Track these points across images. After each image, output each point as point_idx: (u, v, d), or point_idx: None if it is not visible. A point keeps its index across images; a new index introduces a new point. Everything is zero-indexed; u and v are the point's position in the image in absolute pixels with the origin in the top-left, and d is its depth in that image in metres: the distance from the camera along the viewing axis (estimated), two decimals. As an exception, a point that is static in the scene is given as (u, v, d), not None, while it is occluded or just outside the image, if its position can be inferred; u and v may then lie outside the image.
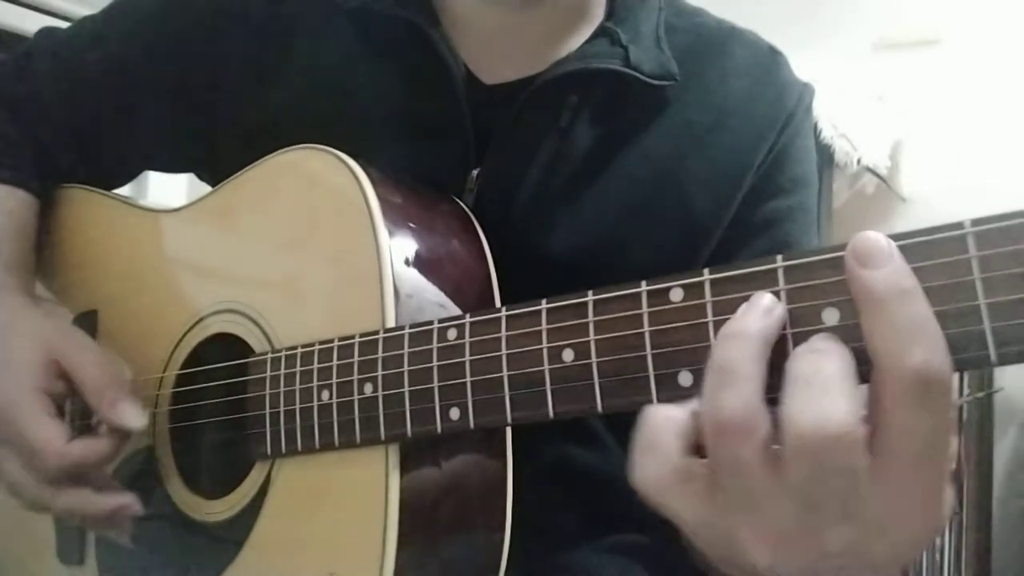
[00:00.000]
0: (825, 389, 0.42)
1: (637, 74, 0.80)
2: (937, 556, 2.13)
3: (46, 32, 0.99)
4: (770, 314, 0.46)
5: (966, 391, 2.11)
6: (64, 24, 1.02)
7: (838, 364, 0.43)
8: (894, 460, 0.42)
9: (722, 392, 0.44)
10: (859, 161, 2.19)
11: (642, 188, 0.81)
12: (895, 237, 0.43)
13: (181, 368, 0.83)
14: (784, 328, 0.46)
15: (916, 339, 0.41)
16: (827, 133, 2.13)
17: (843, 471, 0.42)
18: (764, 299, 0.46)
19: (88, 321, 0.92)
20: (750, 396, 0.44)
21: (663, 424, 0.47)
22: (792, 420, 0.42)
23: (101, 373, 0.79)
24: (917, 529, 0.44)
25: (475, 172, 0.80)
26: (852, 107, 2.21)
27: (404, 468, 0.64)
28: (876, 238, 0.43)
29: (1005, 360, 0.40)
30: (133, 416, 0.77)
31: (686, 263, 0.81)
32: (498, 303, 0.72)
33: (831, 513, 0.43)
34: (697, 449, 0.46)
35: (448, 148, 0.81)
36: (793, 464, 0.43)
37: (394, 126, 0.82)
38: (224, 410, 0.78)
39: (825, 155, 2.11)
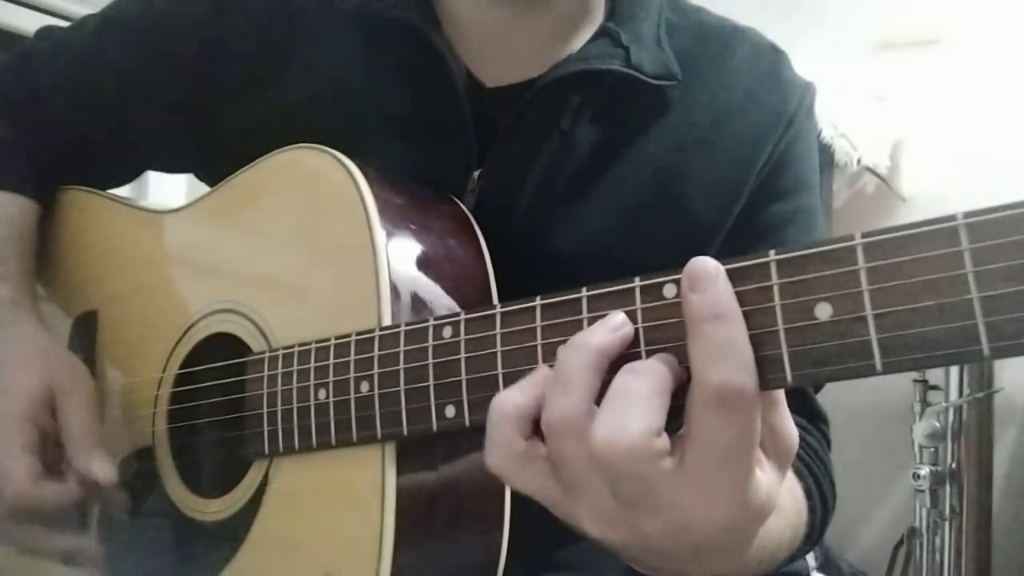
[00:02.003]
0: (626, 407, 0.47)
1: (638, 74, 0.80)
2: (937, 556, 2.13)
3: (45, 32, 0.99)
4: (615, 332, 0.50)
5: (966, 391, 2.11)
6: (64, 23, 1.02)
7: (647, 384, 0.47)
8: (699, 461, 0.47)
9: (555, 395, 0.49)
10: (859, 161, 2.19)
11: (644, 188, 0.81)
12: (888, 230, 0.43)
13: (180, 368, 0.83)
14: (634, 346, 0.50)
15: (722, 359, 0.45)
16: (827, 133, 2.12)
17: (637, 479, 0.47)
18: (616, 317, 0.51)
19: (88, 321, 0.92)
20: (578, 401, 0.48)
21: (507, 411, 0.51)
22: (592, 433, 0.47)
23: (84, 422, 0.80)
24: (724, 520, 0.48)
25: (477, 173, 0.81)
26: (852, 107, 2.21)
27: (401, 466, 0.64)
28: (704, 264, 0.47)
29: (998, 354, 0.40)
30: (102, 469, 0.78)
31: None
32: (496, 302, 0.72)
33: (641, 508, 0.48)
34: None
35: (449, 149, 0.81)
36: (599, 468, 0.48)
37: (395, 128, 0.82)
38: (222, 410, 0.78)
39: (825, 155, 2.10)
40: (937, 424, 2.12)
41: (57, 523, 0.80)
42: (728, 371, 0.45)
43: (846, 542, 2.41)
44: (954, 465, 2.12)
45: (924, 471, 2.09)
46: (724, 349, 0.46)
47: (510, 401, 0.52)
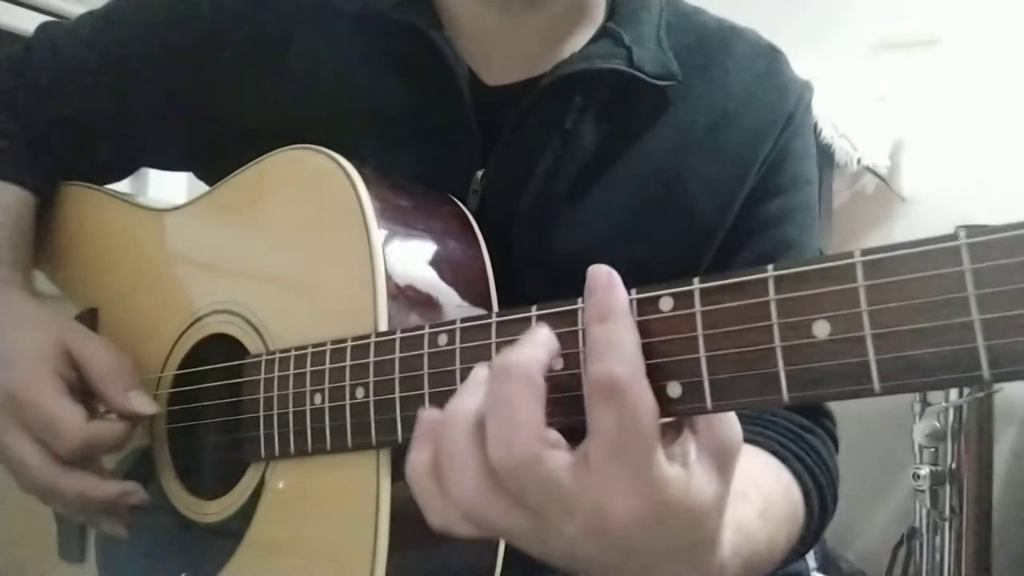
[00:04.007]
0: (507, 416, 0.48)
1: (640, 74, 0.80)
2: (937, 556, 2.13)
3: (47, 27, 0.99)
4: (479, 390, 0.51)
5: (966, 391, 2.11)
6: (64, 23, 1.02)
7: (518, 382, 0.48)
8: (596, 454, 0.47)
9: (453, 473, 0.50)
10: (859, 161, 2.19)
11: (646, 188, 0.82)
12: (888, 248, 0.42)
13: (179, 368, 0.83)
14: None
15: (602, 355, 0.47)
16: (827, 133, 2.12)
17: (538, 482, 0.48)
18: (481, 372, 0.52)
19: (89, 319, 0.92)
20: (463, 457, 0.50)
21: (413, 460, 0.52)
22: (487, 445, 0.48)
23: (112, 363, 0.81)
24: (636, 512, 0.47)
25: (480, 173, 0.81)
26: (852, 107, 2.20)
27: (396, 473, 0.64)
28: (596, 271, 0.49)
29: (998, 379, 0.39)
30: (144, 403, 0.79)
31: (690, 262, 0.82)
32: (495, 305, 0.72)
33: (554, 514, 0.49)
34: None
35: (453, 150, 0.81)
36: (504, 482, 0.49)
37: (398, 128, 0.82)
38: (220, 411, 0.78)
39: (825, 155, 2.10)
40: (937, 424, 2.12)
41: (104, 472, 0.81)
42: (607, 365, 0.46)
43: (846, 542, 2.41)
44: (954, 465, 2.12)
45: (924, 471, 2.09)
46: (605, 345, 0.47)
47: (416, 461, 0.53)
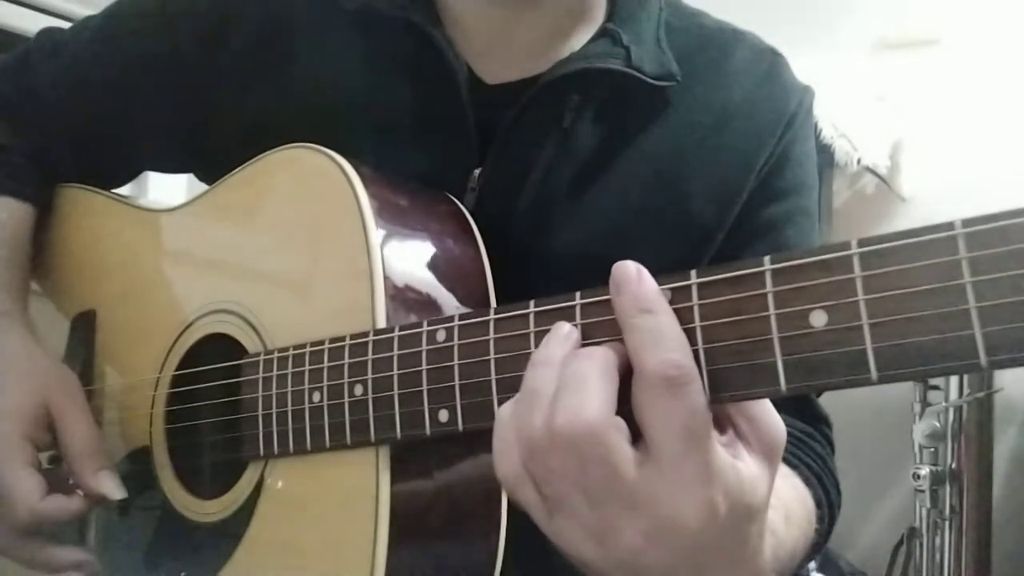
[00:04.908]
0: (579, 388, 0.48)
1: (639, 74, 0.80)
2: (937, 556, 2.13)
3: (46, 33, 0.99)
4: (568, 339, 0.52)
5: (966, 391, 2.11)
6: (64, 24, 1.01)
7: (597, 365, 0.49)
8: (659, 449, 0.47)
9: (527, 414, 0.50)
10: (859, 161, 2.19)
11: (644, 188, 0.81)
12: (885, 238, 0.43)
13: (177, 368, 0.83)
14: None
15: (653, 344, 0.47)
16: (827, 133, 2.12)
17: (601, 460, 0.47)
18: (564, 327, 0.52)
19: (86, 320, 0.92)
20: (545, 418, 0.49)
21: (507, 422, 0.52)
22: (552, 418, 0.48)
23: (88, 439, 0.81)
24: (704, 509, 0.47)
25: (477, 172, 0.80)
26: (852, 107, 2.21)
27: (395, 470, 0.64)
28: (624, 267, 0.50)
29: (995, 366, 0.39)
30: (113, 487, 0.79)
31: (688, 264, 0.81)
32: (493, 304, 0.72)
33: (614, 503, 0.48)
34: None
35: (450, 148, 0.81)
36: (563, 457, 0.48)
37: (397, 126, 0.82)
38: (218, 411, 0.78)
39: (825, 155, 2.10)
40: (937, 424, 2.12)
41: (62, 537, 0.82)
42: (661, 353, 0.47)
43: (846, 542, 2.41)
44: (954, 465, 2.12)
45: (924, 471, 2.09)
46: (654, 336, 0.48)
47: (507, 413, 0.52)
